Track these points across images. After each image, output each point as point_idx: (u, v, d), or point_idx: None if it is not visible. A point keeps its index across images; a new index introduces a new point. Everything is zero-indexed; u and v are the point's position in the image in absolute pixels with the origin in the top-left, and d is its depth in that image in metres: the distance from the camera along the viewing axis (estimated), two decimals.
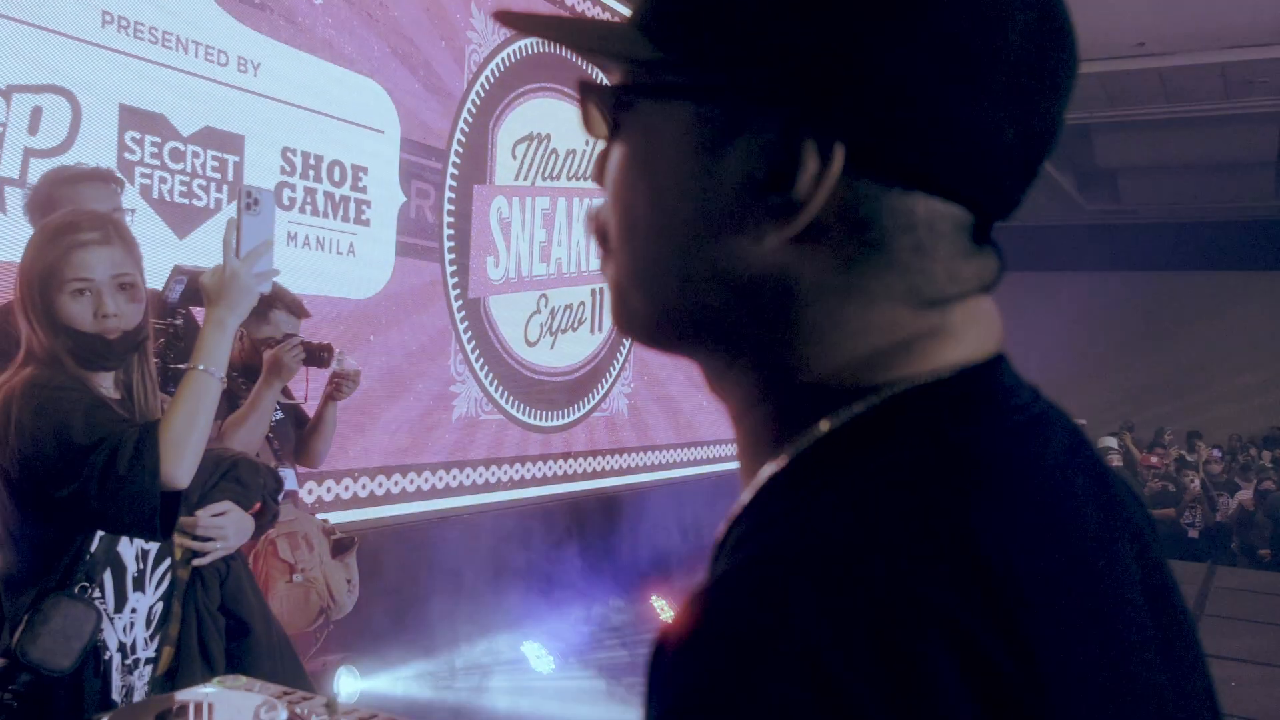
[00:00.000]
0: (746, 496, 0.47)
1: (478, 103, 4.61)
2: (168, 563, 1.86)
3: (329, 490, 3.98)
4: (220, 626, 1.92)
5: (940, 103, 0.43)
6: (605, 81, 0.51)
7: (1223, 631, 4.65)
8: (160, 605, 1.84)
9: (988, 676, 0.38)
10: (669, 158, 0.47)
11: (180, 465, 1.64)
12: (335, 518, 3.82)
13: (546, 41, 0.52)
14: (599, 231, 0.52)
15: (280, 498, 2.18)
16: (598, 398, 5.65)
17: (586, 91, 0.50)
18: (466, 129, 4.55)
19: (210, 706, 1.28)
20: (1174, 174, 11.35)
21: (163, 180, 3.21)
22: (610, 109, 0.50)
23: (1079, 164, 11.16)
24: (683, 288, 0.48)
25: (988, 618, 0.39)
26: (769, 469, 0.46)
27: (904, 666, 0.37)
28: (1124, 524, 0.49)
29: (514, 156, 4.88)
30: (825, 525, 0.41)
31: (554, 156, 5.16)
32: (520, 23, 0.51)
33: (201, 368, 1.70)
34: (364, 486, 4.13)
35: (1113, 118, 9.56)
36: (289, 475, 2.96)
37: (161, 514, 1.63)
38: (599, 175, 0.51)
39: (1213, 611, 5.15)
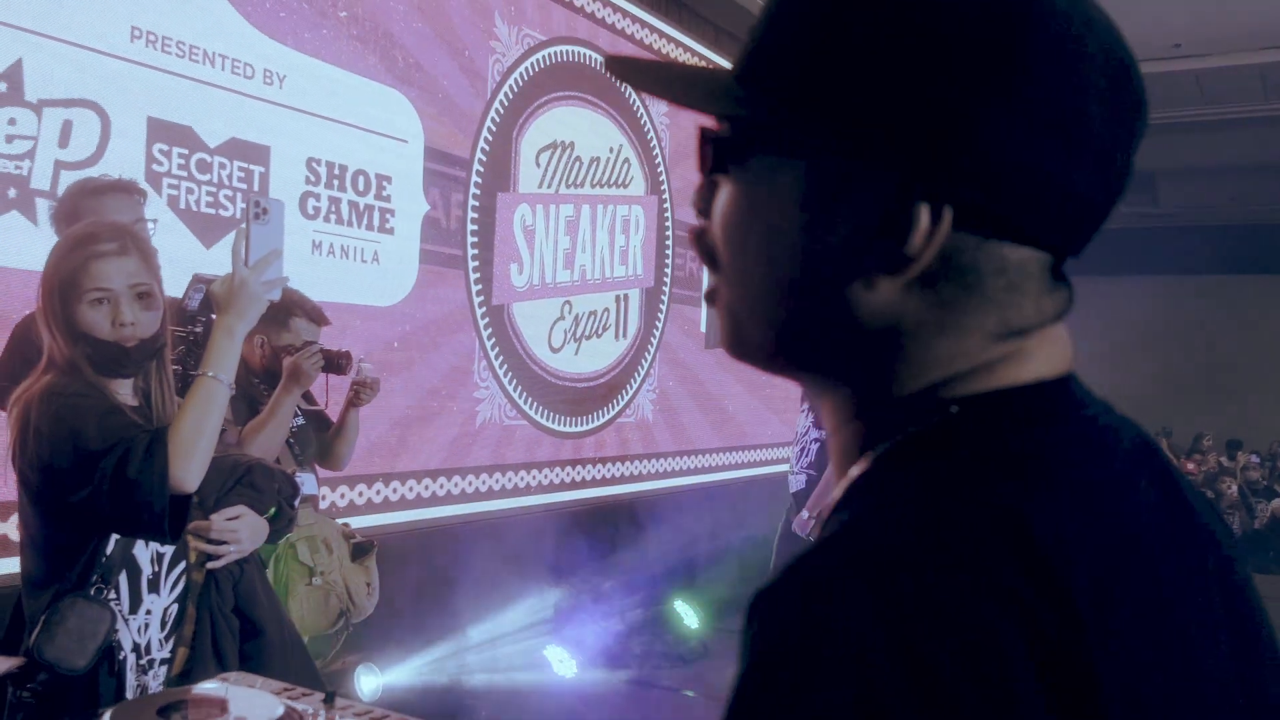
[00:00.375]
0: (837, 494, 0.54)
1: (501, 111, 4.66)
2: (182, 565, 1.90)
3: (360, 494, 4.04)
4: (234, 628, 1.96)
5: (1035, 167, 0.48)
6: (720, 127, 0.55)
7: None
8: (175, 607, 1.88)
9: (1048, 647, 0.42)
10: (783, 205, 0.52)
11: (188, 469, 1.69)
12: (359, 522, 3.88)
13: (664, 98, 0.57)
14: (708, 253, 0.56)
15: (296, 502, 2.22)
16: (623, 403, 5.67)
17: (706, 138, 0.55)
18: (490, 137, 4.60)
19: (222, 702, 1.32)
20: (1213, 176, 11.18)
21: (190, 191, 3.29)
22: (725, 155, 0.54)
23: None
24: (796, 325, 0.53)
25: (1046, 596, 0.43)
26: (855, 470, 0.53)
27: (976, 636, 0.41)
28: (1197, 531, 0.53)
29: (537, 164, 4.92)
30: (899, 515, 0.46)
31: (578, 164, 5.20)
32: (634, 78, 0.56)
33: (210, 374, 1.74)
34: (394, 490, 4.19)
35: (1150, 120, 9.42)
36: (309, 480, 3.01)
37: (170, 517, 1.68)
38: (703, 206, 0.56)
39: None
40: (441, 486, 4.44)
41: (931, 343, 0.51)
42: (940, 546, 0.44)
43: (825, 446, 4.59)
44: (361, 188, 3.93)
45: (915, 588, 0.42)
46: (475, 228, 4.54)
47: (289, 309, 2.88)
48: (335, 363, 2.86)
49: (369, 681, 3.32)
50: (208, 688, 1.32)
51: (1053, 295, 0.53)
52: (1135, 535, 0.48)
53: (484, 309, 4.62)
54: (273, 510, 2.06)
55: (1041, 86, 0.47)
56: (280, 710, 1.23)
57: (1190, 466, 9.93)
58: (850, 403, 0.54)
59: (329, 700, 1.31)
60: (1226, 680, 0.50)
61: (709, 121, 0.56)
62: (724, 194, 0.54)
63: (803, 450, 4.71)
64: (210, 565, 1.93)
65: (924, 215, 0.48)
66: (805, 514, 4.51)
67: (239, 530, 1.95)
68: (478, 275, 4.57)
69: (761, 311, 0.54)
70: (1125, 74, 0.50)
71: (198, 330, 2.32)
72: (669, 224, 6.05)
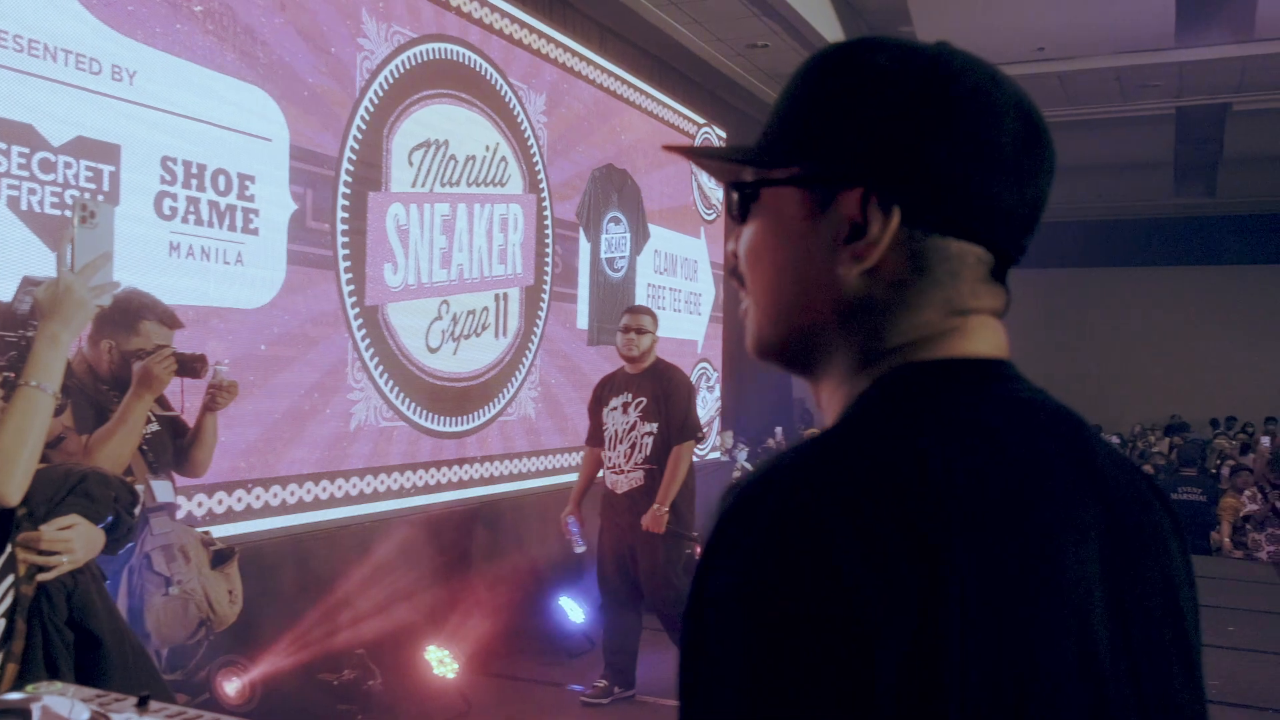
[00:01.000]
0: None
1: (371, 109, 4.61)
2: (11, 579, 1.85)
3: (239, 500, 3.94)
4: (68, 641, 1.91)
5: (962, 180, 0.65)
6: (744, 179, 0.73)
7: None
8: (3, 622, 1.83)
9: (889, 569, 0.53)
10: (788, 225, 0.69)
11: (9, 483, 1.64)
12: (229, 529, 3.80)
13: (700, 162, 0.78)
14: (739, 279, 0.73)
15: (136, 510, 2.17)
16: (504, 401, 5.67)
17: (735, 188, 0.72)
18: (360, 135, 4.54)
19: (26, 710, 1.29)
20: (1076, 174, 11.71)
21: (32, 191, 3.16)
22: (749, 198, 0.71)
23: None
24: (801, 312, 0.69)
25: (900, 520, 0.54)
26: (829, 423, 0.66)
27: (820, 540, 0.54)
28: (1100, 507, 0.63)
29: (410, 163, 4.87)
30: (816, 452, 0.60)
31: (453, 163, 5.17)
32: (693, 155, 0.76)
33: (34, 384, 1.70)
34: (274, 495, 4.11)
35: None
36: (165, 487, 2.94)
37: None
38: (734, 249, 0.74)
39: None
40: (324, 490, 4.37)
41: (895, 316, 0.66)
42: (845, 476, 0.56)
43: (660, 439, 4.58)
44: (222, 187, 3.84)
45: (813, 500, 0.55)
46: (345, 228, 4.47)
47: (138, 312, 2.81)
48: (189, 366, 2.80)
49: (233, 688, 3.26)
50: (13, 698, 1.30)
51: (991, 290, 0.68)
52: (1027, 490, 0.59)
53: (357, 310, 4.56)
54: (110, 519, 2.01)
55: (961, 125, 0.65)
56: (86, 715, 1.22)
57: None
58: (837, 375, 0.69)
59: (142, 704, 1.30)
60: (1094, 636, 0.59)
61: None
62: (746, 232, 0.72)
63: (634, 446, 4.62)
64: (41, 577, 1.88)
65: (876, 213, 0.65)
66: (657, 507, 4.47)
67: (71, 540, 1.90)
68: (349, 276, 4.51)
69: (777, 309, 0.70)
70: (1030, 118, 0.68)
71: (29, 335, 2.24)
72: (548, 221, 6.06)
